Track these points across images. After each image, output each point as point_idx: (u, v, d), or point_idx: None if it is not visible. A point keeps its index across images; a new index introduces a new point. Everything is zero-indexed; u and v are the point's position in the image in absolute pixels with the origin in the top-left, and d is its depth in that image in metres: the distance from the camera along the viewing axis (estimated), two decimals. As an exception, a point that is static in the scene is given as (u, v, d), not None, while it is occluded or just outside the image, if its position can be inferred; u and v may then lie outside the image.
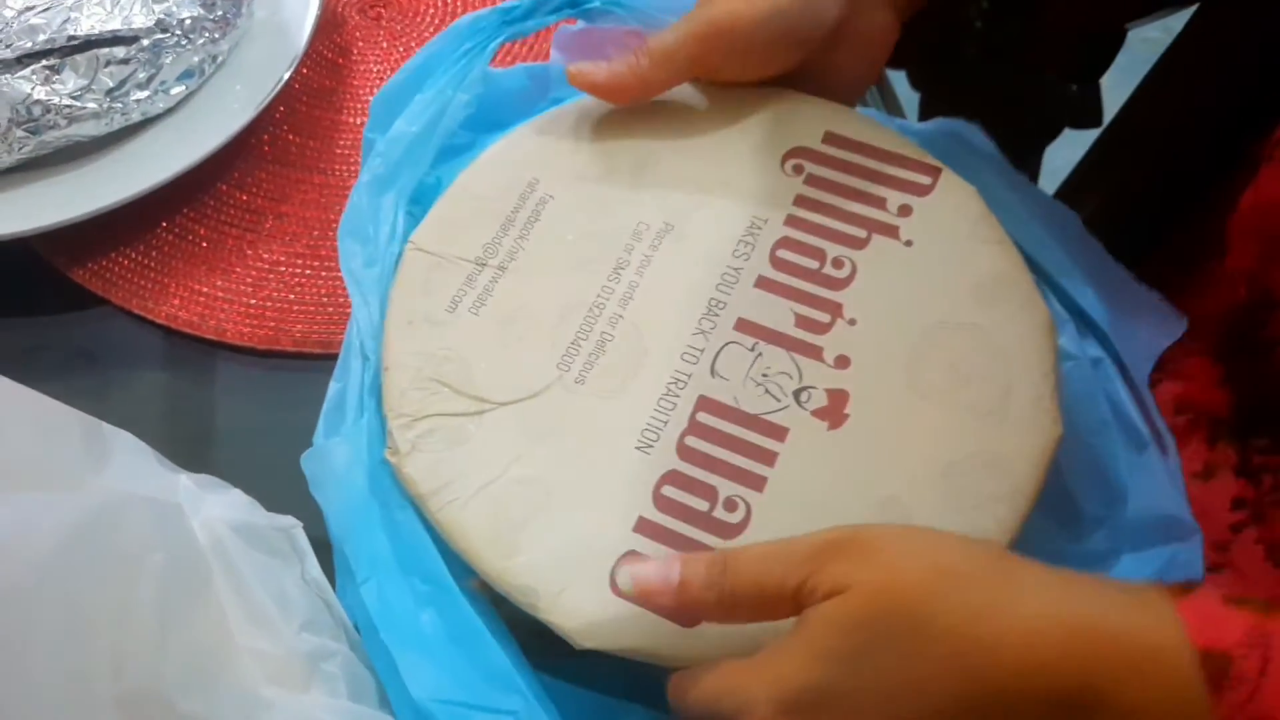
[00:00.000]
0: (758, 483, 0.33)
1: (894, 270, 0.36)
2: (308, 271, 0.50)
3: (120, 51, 0.48)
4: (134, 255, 0.50)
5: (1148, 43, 0.55)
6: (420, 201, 0.40)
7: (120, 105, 0.49)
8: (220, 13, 0.51)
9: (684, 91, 0.40)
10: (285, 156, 0.53)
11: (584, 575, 0.32)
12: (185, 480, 0.37)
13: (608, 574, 0.32)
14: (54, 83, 0.47)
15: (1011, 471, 0.32)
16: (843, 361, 0.34)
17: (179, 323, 0.48)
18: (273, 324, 0.48)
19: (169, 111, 0.51)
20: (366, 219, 0.38)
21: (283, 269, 0.50)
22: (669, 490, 0.33)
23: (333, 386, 0.37)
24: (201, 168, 0.49)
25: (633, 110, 0.39)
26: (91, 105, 0.48)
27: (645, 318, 0.36)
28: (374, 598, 0.33)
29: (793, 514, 0.32)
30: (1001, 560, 0.28)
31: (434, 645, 0.32)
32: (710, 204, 0.38)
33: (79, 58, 0.48)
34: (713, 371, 0.35)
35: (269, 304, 0.49)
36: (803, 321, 0.35)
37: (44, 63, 0.47)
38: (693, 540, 0.32)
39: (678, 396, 0.34)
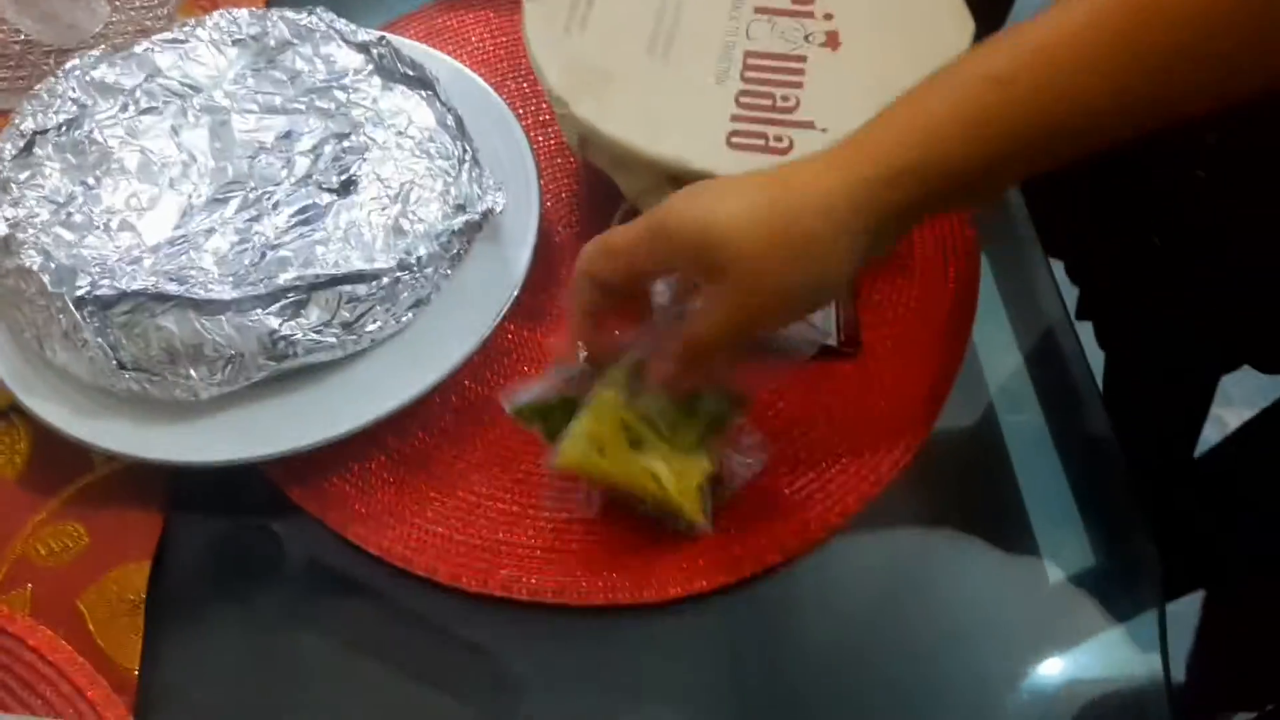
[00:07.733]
0: (798, 85, 0.54)
1: None
2: (514, 508, 0.51)
3: (362, 289, 0.49)
4: (349, 479, 0.52)
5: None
6: None
7: (354, 336, 0.50)
8: (454, 249, 0.52)
9: None
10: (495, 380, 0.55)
11: (708, 139, 0.52)
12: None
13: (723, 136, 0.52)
14: (298, 318, 0.49)
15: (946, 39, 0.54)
16: (828, 17, 0.57)
17: (393, 556, 0.49)
18: (482, 565, 0.49)
19: (395, 334, 0.52)
20: None
21: (489, 504, 0.51)
22: (743, 99, 0.53)
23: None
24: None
25: None
26: (329, 338, 0.49)
27: (692, 17, 0.57)
28: None
29: (826, 94, 0.53)
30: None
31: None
32: None
33: (323, 294, 0.49)
34: (748, 36, 0.56)
35: (477, 541, 0.50)
36: (796, 2, 0.58)
37: (291, 298, 0.48)
38: (766, 118, 0.52)
39: (732, 52, 0.55)
